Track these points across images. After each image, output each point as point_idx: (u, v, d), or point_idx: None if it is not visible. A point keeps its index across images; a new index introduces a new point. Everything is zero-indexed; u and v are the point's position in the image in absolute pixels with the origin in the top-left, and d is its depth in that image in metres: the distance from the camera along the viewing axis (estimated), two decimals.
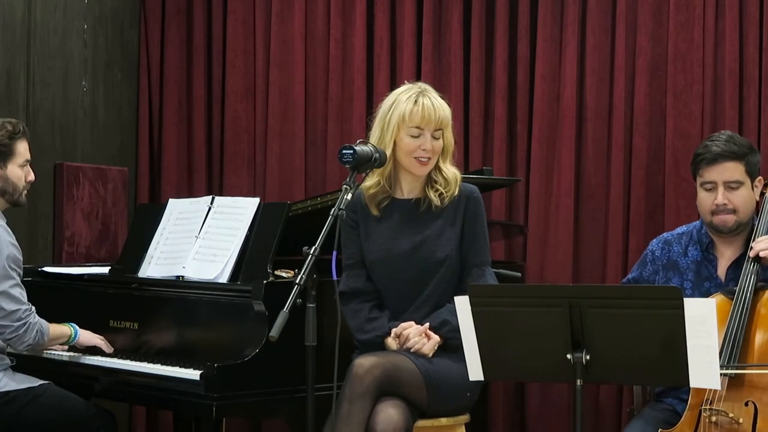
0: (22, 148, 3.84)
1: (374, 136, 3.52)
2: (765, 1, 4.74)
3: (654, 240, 3.65)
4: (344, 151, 3.25)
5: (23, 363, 3.90)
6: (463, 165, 5.13)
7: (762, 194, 3.47)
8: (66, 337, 3.90)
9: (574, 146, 4.97)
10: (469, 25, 5.14)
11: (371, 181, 3.53)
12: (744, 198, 3.39)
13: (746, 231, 3.43)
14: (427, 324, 3.41)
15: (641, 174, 4.90)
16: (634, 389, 3.70)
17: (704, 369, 2.74)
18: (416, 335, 3.37)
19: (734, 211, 3.38)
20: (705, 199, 3.42)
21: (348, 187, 3.21)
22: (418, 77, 5.16)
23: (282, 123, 5.34)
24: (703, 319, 2.71)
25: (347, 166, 3.26)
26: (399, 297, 3.50)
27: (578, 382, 2.80)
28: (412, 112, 3.45)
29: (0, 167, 3.79)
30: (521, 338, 2.87)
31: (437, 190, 3.50)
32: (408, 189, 3.55)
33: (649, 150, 4.91)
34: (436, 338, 3.39)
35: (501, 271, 4.35)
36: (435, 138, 3.48)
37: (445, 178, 3.51)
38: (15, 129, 3.81)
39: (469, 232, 3.51)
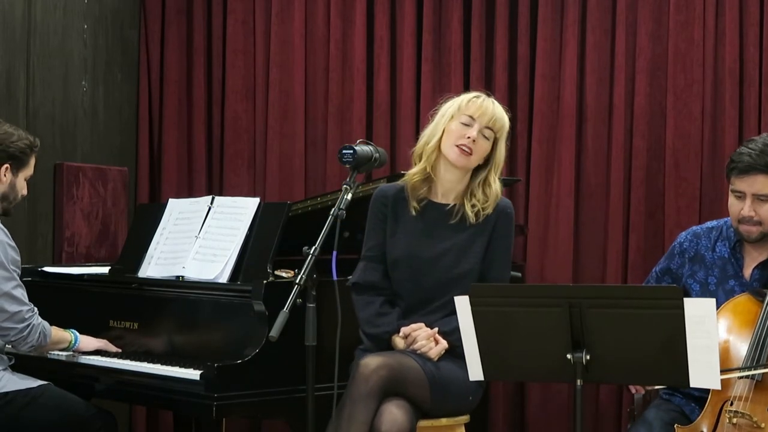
0: (32, 164, 3.89)
1: (428, 127, 3.50)
2: (765, 1, 4.75)
3: (683, 233, 3.62)
4: (344, 151, 3.26)
5: (23, 363, 3.89)
6: None
7: None
8: (66, 343, 3.89)
9: (574, 146, 4.97)
10: (469, 25, 5.13)
11: (417, 168, 3.48)
12: None
13: None
14: (437, 329, 3.40)
15: (641, 174, 4.90)
16: None
17: (704, 369, 2.74)
18: (424, 338, 3.36)
19: (760, 223, 3.35)
20: (734, 206, 3.39)
21: (348, 187, 3.22)
22: (418, 77, 5.17)
23: (282, 123, 5.34)
24: (702, 319, 2.71)
25: (347, 166, 3.26)
26: (414, 300, 3.47)
27: (578, 382, 2.80)
28: (470, 102, 3.45)
29: (14, 174, 3.81)
30: (521, 338, 2.87)
31: (474, 205, 3.45)
32: (443, 191, 3.50)
33: (649, 150, 4.91)
34: (444, 343, 3.37)
35: None
36: (484, 136, 3.44)
37: (486, 195, 3.46)
38: (34, 143, 3.86)
39: (494, 247, 3.47)
